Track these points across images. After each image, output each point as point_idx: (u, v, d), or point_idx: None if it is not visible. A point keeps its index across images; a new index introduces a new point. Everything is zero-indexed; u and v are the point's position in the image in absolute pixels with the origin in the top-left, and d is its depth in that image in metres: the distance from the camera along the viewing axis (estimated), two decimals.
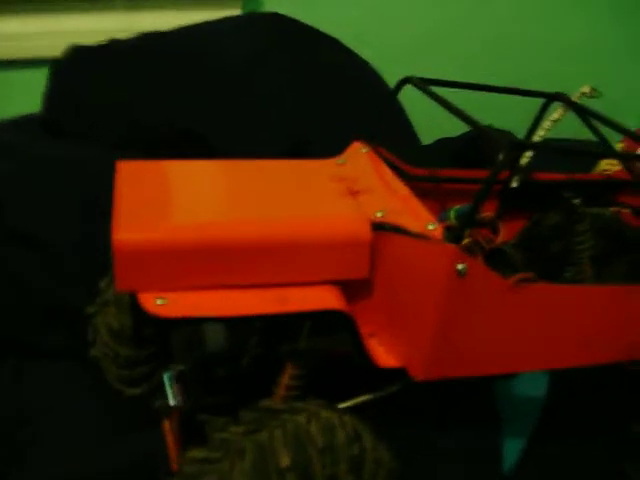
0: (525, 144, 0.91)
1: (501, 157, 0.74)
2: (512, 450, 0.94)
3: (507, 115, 1.56)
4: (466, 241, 0.88)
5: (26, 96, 1.36)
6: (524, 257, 1.03)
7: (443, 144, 1.59)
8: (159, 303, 0.73)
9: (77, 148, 1.24)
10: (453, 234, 0.77)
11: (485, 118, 1.63)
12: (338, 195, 0.84)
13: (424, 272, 0.77)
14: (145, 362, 0.97)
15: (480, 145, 1.15)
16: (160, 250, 0.73)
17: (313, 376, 0.83)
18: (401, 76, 0.97)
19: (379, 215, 0.80)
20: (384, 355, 0.82)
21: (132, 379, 0.98)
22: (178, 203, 0.80)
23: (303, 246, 0.77)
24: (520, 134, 1.15)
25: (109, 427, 0.93)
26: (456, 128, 1.62)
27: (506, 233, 1.05)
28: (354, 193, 0.85)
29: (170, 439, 0.81)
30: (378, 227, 0.79)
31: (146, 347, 0.97)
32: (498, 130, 1.62)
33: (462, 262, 0.75)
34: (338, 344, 0.83)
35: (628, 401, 1.02)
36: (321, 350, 0.83)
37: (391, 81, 1.49)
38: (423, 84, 0.93)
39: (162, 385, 0.84)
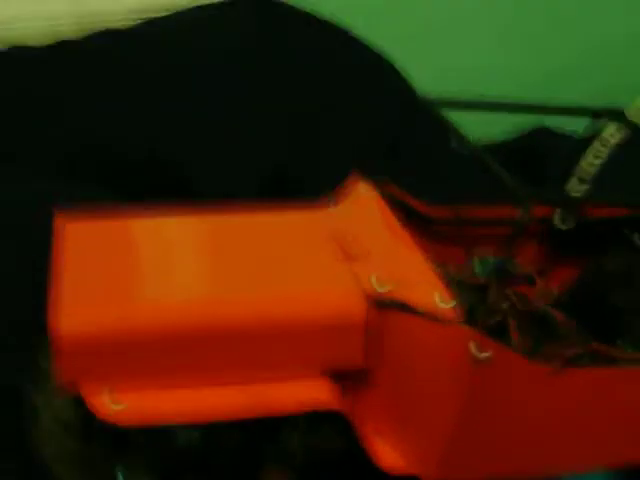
0: (552, 199, 0.95)
1: (523, 217, 0.78)
2: None
3: None
4: (498, 304, 0.91)
5: None
6: (576, 317, 1.06)
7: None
8: (114, 407, 0.78)
9: (11, 178, 1.29)
10: (472, 309, 0.81)
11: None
12: (330, 261, 0.89)
13: (436, 359, 0.82)
14: (104, 460, 1.02)
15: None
16: (111, 342, 0.79)
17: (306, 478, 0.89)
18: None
19: (379, 288, 0.85)
20: (391, 457, 0.87)
21: None
22: (134, 279, 0.86)
23: (283, 331, 0.82)
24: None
25: None
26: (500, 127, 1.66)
27: (552, 284, 1.09)
28: (351, 257, 0.89)
29: None
30: (378, 304, 0.84)
31: (101, 441, 1.02)
32: (547, 134, 1.66)
33: (482, 348, 0.78)
34: (334, 443, 0.88)
35: None
36: (313, 450, 0.88)
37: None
38: (438, 109, 0.96)
39: None
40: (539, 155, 1.57)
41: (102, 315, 0.80)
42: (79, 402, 0.96)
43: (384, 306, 0.84)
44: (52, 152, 1.35)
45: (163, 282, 0.85)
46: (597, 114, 1.06)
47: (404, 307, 0.83)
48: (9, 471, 1.08)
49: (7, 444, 1.08)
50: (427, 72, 1.51)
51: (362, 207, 0.98)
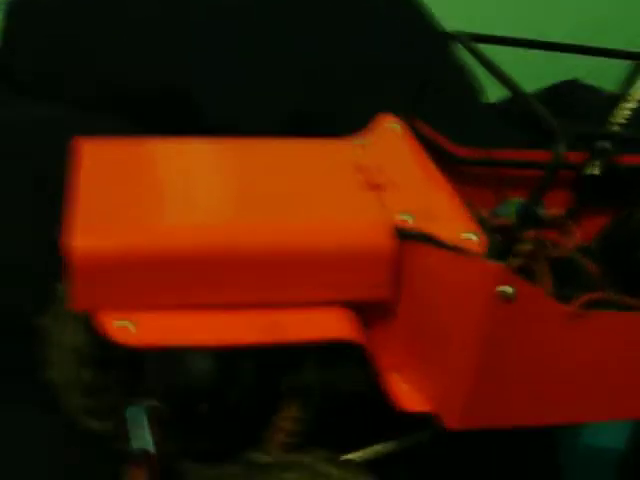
0: (592, 134, 0.94)
1: (560, 149, 0.77)
2: None
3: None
4: (525, 247, 0.91)
5: None
6: (605, 266, 1.06)
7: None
8: (127, 328, 0.78)
9: (33, 107, 1.29)
10: (499, 246, 0.80)
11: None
12: (355, 191, 0.88)
13: (461, 294, 0.81)
14: (115, 388, 1.03)
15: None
16: (128, 260, 0.78)
17: (320, 418, 0.89)
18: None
19: (406, 219, 0.84)
20: (409, 396, 0.87)
21: (98, 410, 1.04)
22: (152, 199, 0.84)
23: (306, 258, 0.81)
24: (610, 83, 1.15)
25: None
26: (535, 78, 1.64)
27: (583, 233, 1.08)
28: (376, 187, 0.89)
29: None
30: (403, 235, 0.83)
31: (115, 369, 1.02)
32: (578, 87, 1.65)
33: (509, 284, 0.78)
34: (352, 379, 0.88)
35: None
36: (330, 385, 0.88)
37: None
38: (473, 42, 0.95)
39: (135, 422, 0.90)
40: (569, 107, 1.56)
41: (118, 235, 0.79)
42: (93, 327, 0.98)
43: (409, 237, 0.82)
44: (67, 87, 1.36)
45: (183, 204, 0.84)
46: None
47: (430, 239, 0.82)
48: (23, 394, 1.10)
49: (21, 368, 1.10)
50: (456, 11, 1.50)
51: (390, 141, 0.96)
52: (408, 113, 1.00)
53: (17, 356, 1.11)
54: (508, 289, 0.78)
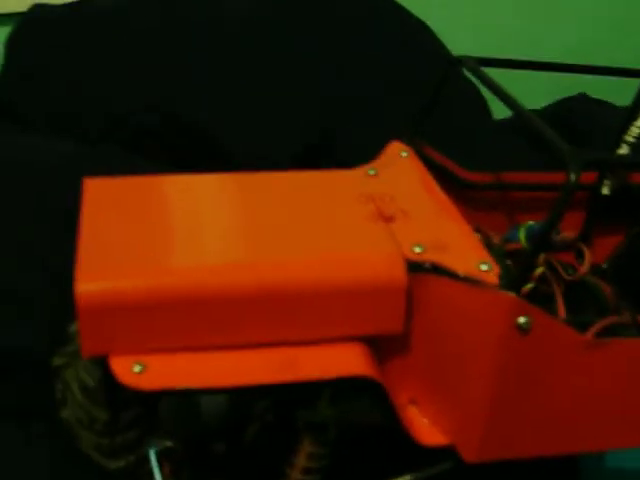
0: (603, 160, 0.93)
1: (572, 178, 0.75)
2: None
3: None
4: (539, 270, 0.90)
5: None
6: (619, 286, 1.04)
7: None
8: (137, 371, 0.77)
9: (42, 143, 1.29)
10: (513, 277, 0.79)
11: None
12: (366, 222, 0.87)
13: (475, 326, 0.79)
14: (129, 427, 1.02)
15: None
16: (137, 303, 0.77)
17: (338, 454, 0.87)
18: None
19: (417, 250, 0.83)
20: (427, 430, 0.86)
21: (113, 449, 1.03)
22: (160, 238, 0.83)
23: (317, 294, 0.80)
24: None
25: None
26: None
27: (595, 253, 1.07)
28: (387, 218, 0.87)
29: None
30: (415, 267, 0.81)
31: (129, 408, 1.01)
32: (585, 102, 1.64)
33: (524, 314, 0.77)
34: (369, 413, 0.87)
35: None
36: (346, 421, 0.86)
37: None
38: (478, 66, 0.95)
39: (148, 461, 0.89)
40: (576, 122, 1.55)
41: (124, 277, 0.77)
42: (103, 367, 0.97)
43: (422, 269, 0.81)
44: (70, 123, 1.36)
45: (191, 242, 0.83)
46: None
47: (443, 271, 0.80)
48: (37, 434, 1.09)
49: (35, 408, 1.09)
50: (462, 33, 1.50)
51: (400, 169, 0.95)
52: (412, 135, 0.99)
53: (31, 396, 1.10)
54: (523, 319, 0.77)
